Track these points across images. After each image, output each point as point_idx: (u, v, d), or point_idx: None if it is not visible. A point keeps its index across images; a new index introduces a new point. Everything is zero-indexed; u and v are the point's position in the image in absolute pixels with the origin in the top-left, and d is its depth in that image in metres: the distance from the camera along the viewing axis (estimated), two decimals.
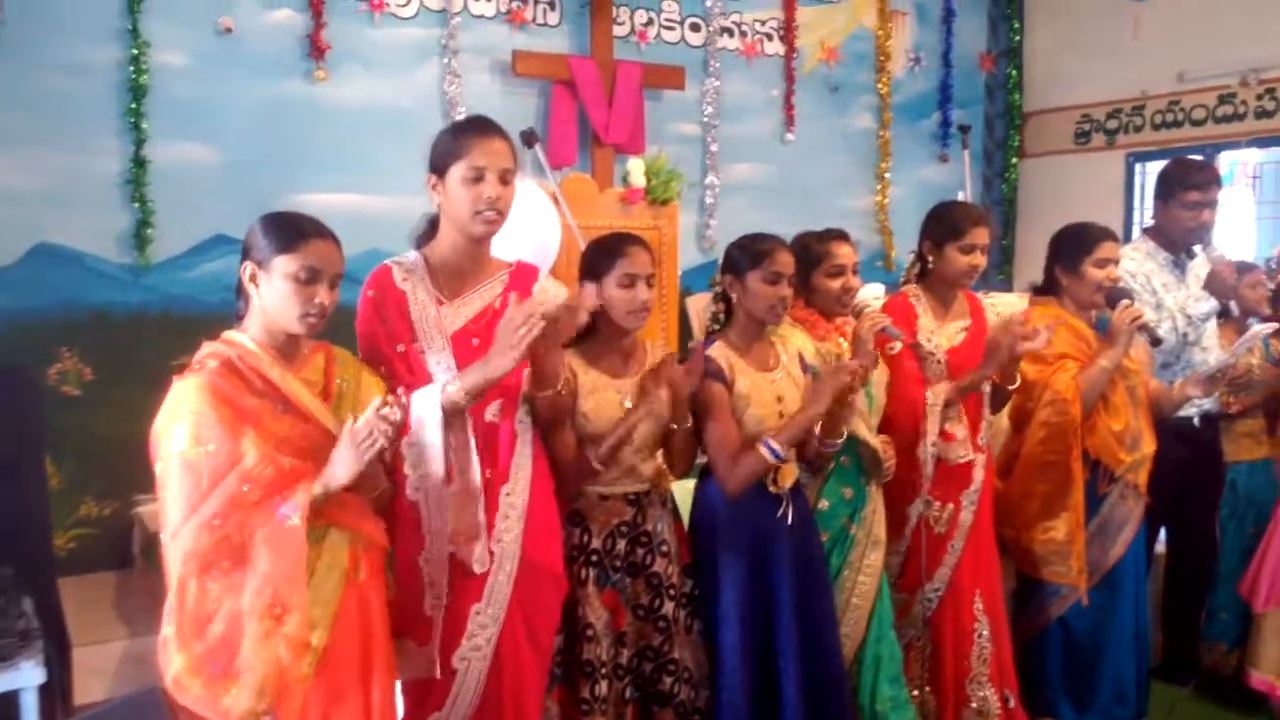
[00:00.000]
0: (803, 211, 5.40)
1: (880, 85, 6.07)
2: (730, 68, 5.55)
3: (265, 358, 1.97)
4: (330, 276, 1.98)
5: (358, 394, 2.07)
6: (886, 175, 6.10)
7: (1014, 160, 6.57)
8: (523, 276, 2.37)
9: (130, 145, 4.01)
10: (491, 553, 2.22)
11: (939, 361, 2.98)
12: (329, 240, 2.00)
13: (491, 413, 2.26)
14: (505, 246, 2.42)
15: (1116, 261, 3.15)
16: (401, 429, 2.01)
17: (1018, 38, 6.53)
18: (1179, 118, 5.86)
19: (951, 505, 2.97)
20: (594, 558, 2.47)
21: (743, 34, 5.59)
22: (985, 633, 3.00)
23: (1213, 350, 3.50)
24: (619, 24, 5.15)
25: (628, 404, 2.47)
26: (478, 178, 2.19)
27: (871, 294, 3.11)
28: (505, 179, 2.22)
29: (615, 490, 2.50)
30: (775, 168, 5.70)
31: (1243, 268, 3.74)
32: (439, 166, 2.24)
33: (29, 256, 3.84)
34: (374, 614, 2.04)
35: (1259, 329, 3.37)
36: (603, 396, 2.48)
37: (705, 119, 5.47)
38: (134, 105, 4.00)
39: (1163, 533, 3.69)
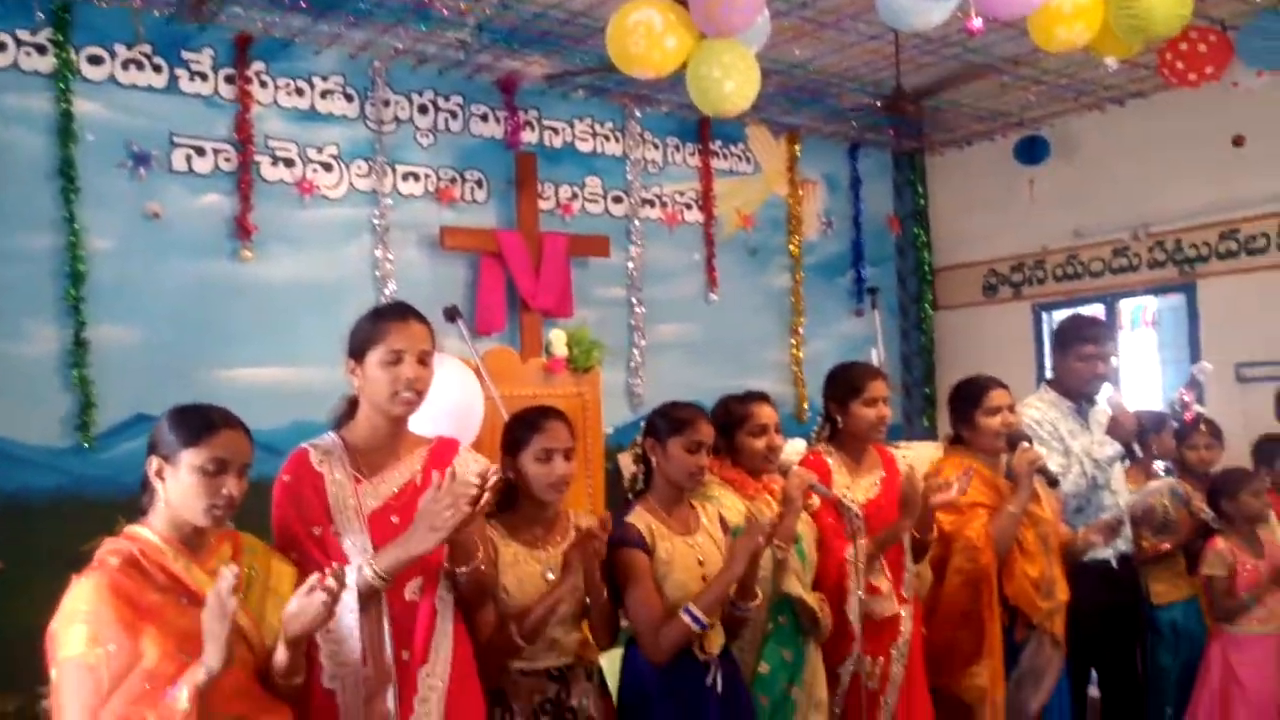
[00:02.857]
0: (726, 366, 5.60)
1: (793, 247, 6.37)
2: (653, 235, 5.80)
3: (169, 551, 1.93)
4: (238, 466, 1.97)
5: (267, 582, 2.04)
6: (801, 330, 6.35)
7: (929, 312, 6.87)
8: (443, 451, 2.38)
9: (62, 329, 4.03)
10: None
11: (857, 516, 3.02)
12: (237, 430, 2.00)
13: (411, 590, 2.22)
14: (428, 419, 2.44)
15: (1010, 407, 3.27)
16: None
17: (922, 201, 6.95)
18: (1078, 270, 6.22)
19: (881, 659, 2.97)
20: None
21: (663, 204, 5.87)
22: None
23: (1121, 493, 3.61)
24: (544, 199, 5.37)
25: (550, 576, 2.45)
26: (396, 360, 2.23)
27: (794, 450, 3.18)
28: (424, 360, 2.27)
29: (537, 665, 2.44)
30: (699, 326, 5.90)
31: (1153, 420, 3.93)
32: (357, 351, 2.28)
33: None
34: None
35: (1160, 484, 3.52)
36: (524, 570, 2.46)
37: (631, 283, 5.67)
38: (72, 290, 4.05)
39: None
